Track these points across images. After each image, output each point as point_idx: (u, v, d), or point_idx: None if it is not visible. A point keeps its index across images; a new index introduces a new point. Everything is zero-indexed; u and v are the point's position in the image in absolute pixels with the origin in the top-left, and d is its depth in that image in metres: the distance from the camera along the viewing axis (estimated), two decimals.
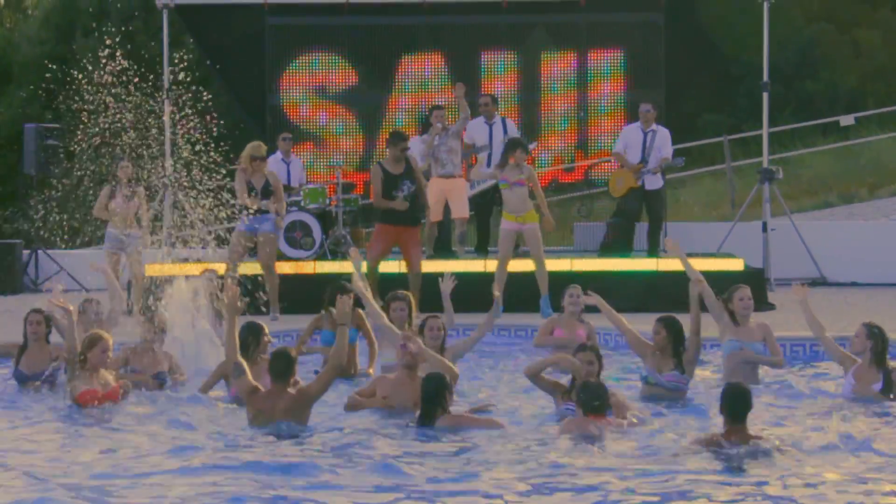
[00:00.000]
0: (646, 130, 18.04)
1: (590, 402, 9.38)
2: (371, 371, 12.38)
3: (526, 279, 15.87)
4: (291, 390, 9.81)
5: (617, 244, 18.26)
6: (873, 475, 8.26)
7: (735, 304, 11.76)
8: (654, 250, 17.96)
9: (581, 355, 10.21)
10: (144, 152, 15.85)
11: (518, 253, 16.43)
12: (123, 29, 32.71)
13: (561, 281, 15.61)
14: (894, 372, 10.86)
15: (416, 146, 17.29)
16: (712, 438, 8.81)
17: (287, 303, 15.92)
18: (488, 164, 17.68)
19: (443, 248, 18.23)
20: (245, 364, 10.00)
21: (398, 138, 16.00)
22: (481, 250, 18.04)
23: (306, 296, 14.81)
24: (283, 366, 9.77)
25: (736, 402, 8.75)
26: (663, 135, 18.08)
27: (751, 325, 11.83)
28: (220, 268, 15.22)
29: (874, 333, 10.88)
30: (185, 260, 18.16)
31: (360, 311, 12.39)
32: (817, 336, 11.50)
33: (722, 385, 11.22)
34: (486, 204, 18.40)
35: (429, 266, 17.29)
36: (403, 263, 16.15)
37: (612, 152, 18.47)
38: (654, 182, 18.07)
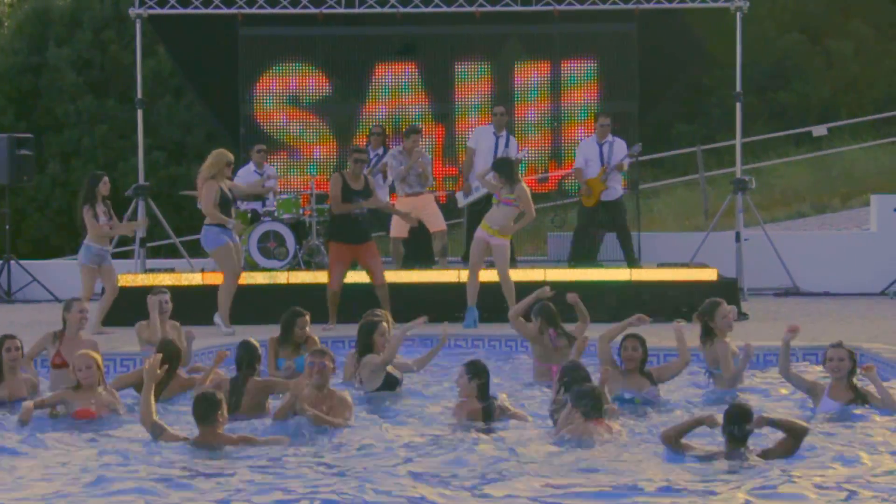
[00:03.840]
0: (601, 142, 18.16)
1: (591, 406, 9.38)
2: None
3: (499, 289, 15.85)
4: (225, 433, 9.50)
5: (581, 254, 18.29)
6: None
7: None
8: (633, 261, 18.01)
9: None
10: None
11: (486, 264, 16.43)
12: (96, 39, 32.86)
13: (534, 290, 15.65)
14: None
15: (395, 160, 17.60)
16: (713, 455, 8.79)
17: (260, 313, 15.89)
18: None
19: (424, 259, 18.20)
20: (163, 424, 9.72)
21: (351, 152, 16.40)
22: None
23: (279, 306, 14.76)
24: (204, 409, 9.42)
25: (739, 424, 8.71)
26: (620, 145, 18.19)
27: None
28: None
29: (851, 354, 10.83)
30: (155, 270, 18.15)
31: (316, 337, 12.53)
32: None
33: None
34: (480, 213, 18.48)
35: (405, 277, 17.31)
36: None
37: (574, 168, 18.52)
38: (610, 193, 18.13)
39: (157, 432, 9.59)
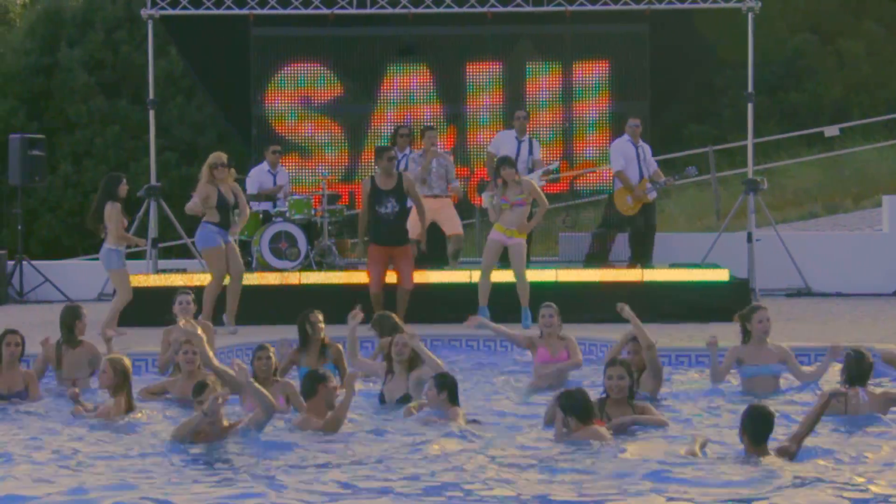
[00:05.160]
0: (637, 145, 18.11)
1: (583, 411, 9.44)
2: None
3: (510, 290, 15.85)
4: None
5: (601, 255, 18.28)
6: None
7: (756, 326, 11.71)
8: (647, 261, 18.01)
9: (611, 370, 10.20)
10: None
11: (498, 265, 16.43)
12: (108, 39, 32.91)
13: (546, 291, 15.67)
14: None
15: (415, 163, 17.65)
16: (734, 458, 8.77)
17: (272, 314, 15.92)
18: None
19: (438, 261, 18.17)
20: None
21: (382, 150, 16.13)
22: None
23: (290, 307, 14.79)
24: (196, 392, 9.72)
25: (758, 424, 8.70)
26: (647, 149, 18.20)
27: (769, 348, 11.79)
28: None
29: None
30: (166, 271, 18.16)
31: (339, 346, 12.38)
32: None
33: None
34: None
35: (417, 277, 17.23)
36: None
37: (615, 172, 18.20)
38: (651, 194, 18.16)
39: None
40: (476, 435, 9.90)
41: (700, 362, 13.24)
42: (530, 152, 18.03)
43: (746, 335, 11.76)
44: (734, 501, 7.90)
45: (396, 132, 18.42)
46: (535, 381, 12.45)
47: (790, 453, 8.80)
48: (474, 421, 10.45)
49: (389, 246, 15.97)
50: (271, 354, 11.17)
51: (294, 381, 11.57)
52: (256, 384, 9.97)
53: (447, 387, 10.49)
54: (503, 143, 18.23)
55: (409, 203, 16.82)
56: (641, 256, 18.17)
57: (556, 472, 8.63)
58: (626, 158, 18.05)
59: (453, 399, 10.48)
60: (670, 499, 7.95)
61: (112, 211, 15.70)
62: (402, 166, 17.64)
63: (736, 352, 11.75)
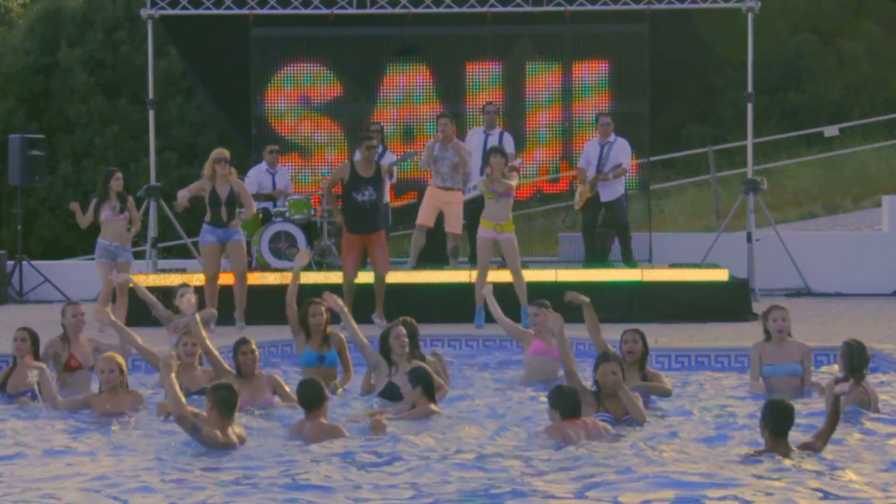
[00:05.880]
0: (602, 143, 18.12)
1: (567, 406, 9.46)
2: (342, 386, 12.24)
3: (509, 289, 15.84)
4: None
5: (592, 254, 18.29)
6: None
7: (770, 324, 11.67)
8: (629, 261, 17.99)
9: (605, 366, 10.18)
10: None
11: (495, 263, 16.41)
12: (108, 39, 32.89)
13: (546, 291, 15.67)
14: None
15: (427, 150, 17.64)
16: (755, 453, 8.75)
17: (272, 313, 15.91)
18: (481, 173, 17.80)
19: (438, 260, 18.15)
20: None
21: (367, 138, 16.31)
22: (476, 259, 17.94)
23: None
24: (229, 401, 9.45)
25: (779, 418, 8.70)
26: (620, 145, 18.11)
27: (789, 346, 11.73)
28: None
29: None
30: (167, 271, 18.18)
31: (342, 335, 12.33)
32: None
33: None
34: (478, 211, 18.46)
35: (417, 277, 17.28)
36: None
37: (577, 169, 18.50)
38: (609, 192, 18.07)
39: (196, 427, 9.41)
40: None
41: (699, 363, 13.24)
42: (500, 144, 17.97)
43: (767, 334, 11.72)
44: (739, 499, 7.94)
45: (368, 129, 18.47)
46: (526, 375, 12.47)
47: (815, 450, 8.81)
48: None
49: (365, 234, 16.02)
50: (254, 348, 11.16)
51: (278, 374, 11.60)
52: (174, 378, 9.50)
53: (421, 381, 10.44)
54: (471, 139, 18.25)
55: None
56: (591, 252, 18.19)
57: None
58: (589, 158, 18.17)
59: (429, 394, 10.44)
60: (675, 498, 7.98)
61: (90, 206, 16.46)
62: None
63: (758, 348, 11.68)
